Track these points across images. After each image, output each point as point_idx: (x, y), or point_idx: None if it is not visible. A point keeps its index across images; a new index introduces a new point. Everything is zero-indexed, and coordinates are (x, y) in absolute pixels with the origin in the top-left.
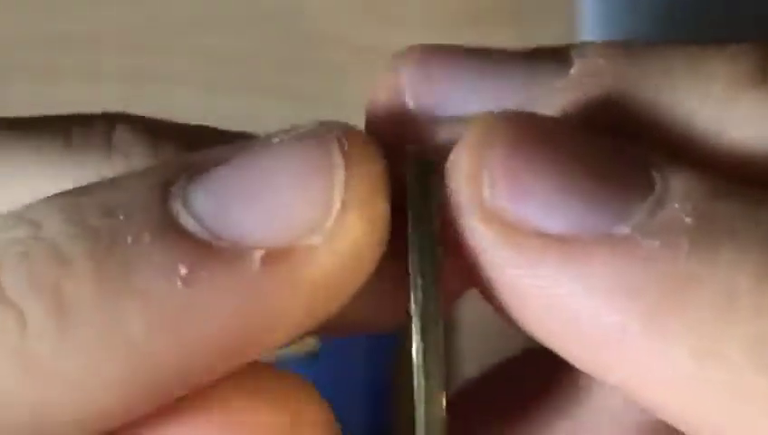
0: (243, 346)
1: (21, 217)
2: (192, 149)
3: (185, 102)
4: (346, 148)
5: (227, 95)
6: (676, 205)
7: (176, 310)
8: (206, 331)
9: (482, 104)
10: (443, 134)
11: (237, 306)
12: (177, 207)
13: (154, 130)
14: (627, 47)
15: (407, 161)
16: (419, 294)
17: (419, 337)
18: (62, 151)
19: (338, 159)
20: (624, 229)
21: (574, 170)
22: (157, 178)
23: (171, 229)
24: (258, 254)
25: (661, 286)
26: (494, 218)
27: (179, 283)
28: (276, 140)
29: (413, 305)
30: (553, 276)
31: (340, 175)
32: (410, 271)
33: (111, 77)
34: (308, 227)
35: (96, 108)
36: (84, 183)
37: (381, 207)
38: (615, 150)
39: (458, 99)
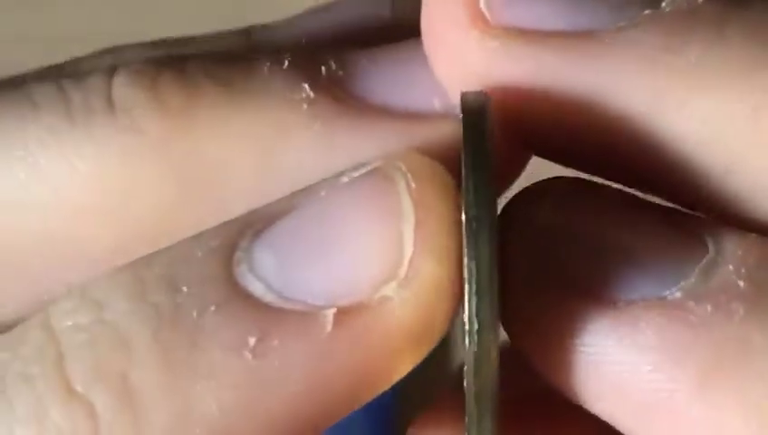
0: (322, 410)
1: (83, 296)
2: (191, 73)
3: None
4: (413, 185)
5: None
6: (730, 267)
7: (248, 385)
8: (283, 400)
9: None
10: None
11: (311, 372)
12: (242, 271)
13: (152, 73)
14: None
15: (462, 102)
16: (478, 255)
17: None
18: (66, 127)
19: (406, 201)
20: (676, 294)
21: (627, 241)
22: (219, 240)
23: (237, 298)
24: (330, 314)
25: (714, 352)
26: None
27: (249, 355)
28: (344, 179)
29: (468, 272)
30: (602, 341)
31: (409, 218)
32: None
33: None
34: (380, 277)
35: None
36: (94, 156)
37: (454, 244)
38: (667, 218)
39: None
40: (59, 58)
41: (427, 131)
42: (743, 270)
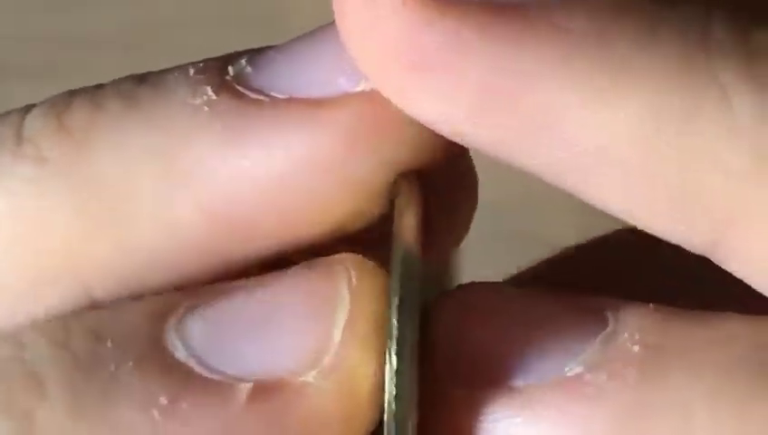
0: None
1: (9, 335)
2: (101, 95)
3: None
4: (354, 282)
5: None
6: (626, 335)
7: None
8: None
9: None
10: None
11: None
12: (170, 334)
13: (65, 101)
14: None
15: (395, 188)
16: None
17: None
18: None
19: (343, 295)
20: (576, 369)
21: (525, 327)
22: (156, 305)
23: (158, 357)
24: (245, 387)
25: (613, 421)
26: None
27: (157, 414)
28: (292, 270)
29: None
30: (511, 429)
31: (343, 312)
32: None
33: (111, 77)
34: (303, 363)
35: None
36: (2, 191)
37: (381, 345)
38: (566, 301)
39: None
40: (59, 58)
41: (330, 115)
42: (637, 336)
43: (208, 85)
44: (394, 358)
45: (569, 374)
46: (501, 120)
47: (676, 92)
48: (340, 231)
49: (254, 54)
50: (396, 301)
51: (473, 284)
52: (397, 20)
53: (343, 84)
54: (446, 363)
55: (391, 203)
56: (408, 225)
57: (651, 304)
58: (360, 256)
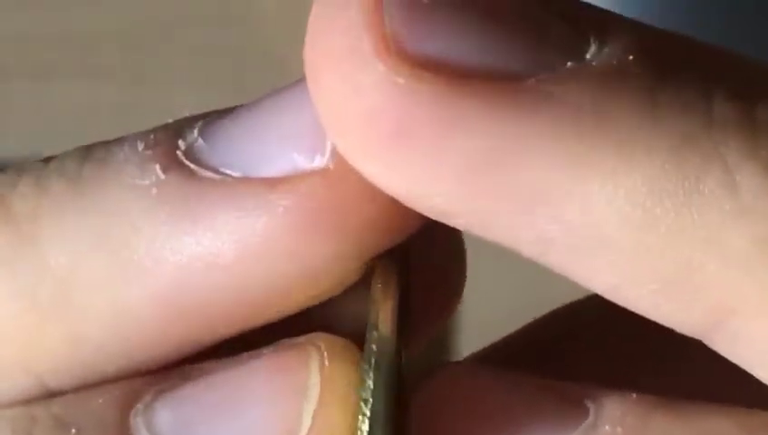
0: None
1: None
2: (47, 174)
3: (184, 101)
4: (326, 364)
5: (227, 94)
6: (607, 428)
7: None
8: None
9: None
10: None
11: None
12: (137, 423)
13: (11, 181)
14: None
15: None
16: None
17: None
18: None
19: (314, 379)
20: None
21: (504, 417)
22: (120, 392)
23: None
24: None
25: None
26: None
27: None
28: (263, 352)
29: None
30: None
31: (313, 397)
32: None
33: (111, 77)
34: None
35: (96, 107)
36: None
37: (353, 429)
38: (547, 389)
39: None
40: (59, 58)
41: (285, 197)
42: (619, 429)
43: (157, 163)
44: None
45: None
46: (489, 197)
47: (676, 171)
48: (306, 306)
49: (208, 125)
50: (369, 403)
51: (450, 368)
52: (379, 85)
53: (298, 161)
54: None
55: (368, 273)
56: (383, 318)
57: (634, 395)
58: (331, 336)
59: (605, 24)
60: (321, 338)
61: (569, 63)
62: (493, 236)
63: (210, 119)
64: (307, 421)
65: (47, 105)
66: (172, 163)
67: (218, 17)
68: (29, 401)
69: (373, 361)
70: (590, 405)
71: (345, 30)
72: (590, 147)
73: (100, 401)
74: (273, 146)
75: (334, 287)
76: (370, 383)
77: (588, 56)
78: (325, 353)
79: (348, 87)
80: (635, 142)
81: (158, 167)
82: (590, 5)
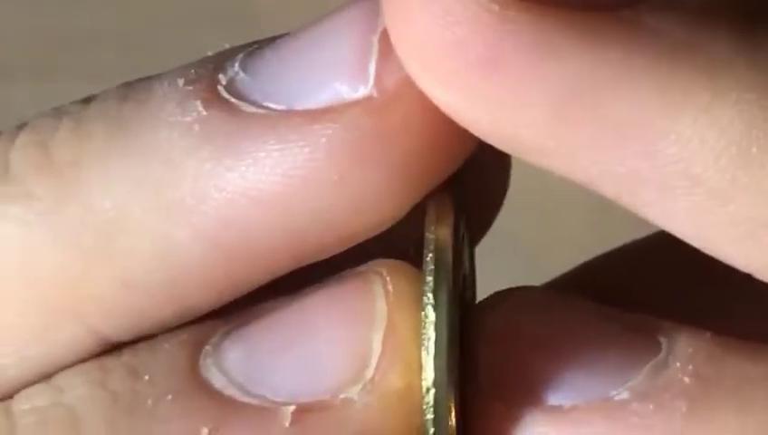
0: None
1: (48, 383)
2: (87, 118)
3: None
4: (390, 289)
5: None
6: (678, 365)
7: None
8: None
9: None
10: None
11: None
12: (207, 364)
13: (50, 128)
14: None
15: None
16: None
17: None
18: None
19: (380, 306)
20: (623, 394)
21: (574, 344)
22: (187, 335)
23: (196, 389)
24: (288, 410)
25: None
26: None
27: None
28: (328, 283)
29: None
30: None
31: (381, 323)
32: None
33: (111, 77)
34: (345, 379)
35: None
36: None
37: (420, 355)
38: (619, 320)
39: None
40: (59, 58)
41: (329, 128)
42: (690, 367)
43: (198, 99)
44: (432, 354)
45: (615, 399)
46: (579, 129)
47: None
48: (358, 240)
49: (248, 57)
50: (431, 299)
51: (521, 289)
52: (468, 14)
53: (342, 91)
54: (488, 373)
55: (423, 200)
56: (441, 233)
57: (708, 333)
58: (392, 260)
59: None
60: (382, 264)
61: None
62: (576, 173)
63: (251, 50)
64: (377, 347)
65: (47, 105)
66: (213, 99)
67: (218, 17)
68: (98, 356)
69: (433, 278)
70: (663, 340)
71: None
72: (684, 81)
73: (167, 346)
74: (316, 76)
75: (387, 218)
76: (432, 302)
77: None
78: (388, 278)
79: (435, 12)
80: (730, 78)
81: (199, 103)
82: None
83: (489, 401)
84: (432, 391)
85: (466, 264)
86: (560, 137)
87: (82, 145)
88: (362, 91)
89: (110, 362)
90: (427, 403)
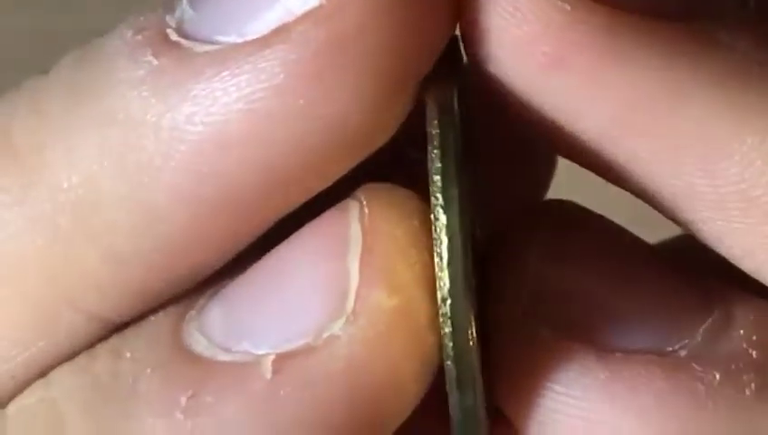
0: None
1: (43, 378)
2: (42, 91)
3: None
4: (366, 211)
5: None
6: (741, 332)
7: None
8: None
9: None
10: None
11: (252, 427)
12: (189, 329)
13: (9, 111)
14: None
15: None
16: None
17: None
18: None
19: (354, 229)
20: (680, 352)
21: (628, 290)
22: (177, 304)
23: (177, 357)
24: (267, 361)
25: (720, 429)
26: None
27: (181, 416)
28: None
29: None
30: (592, 395)
31: (356, 247)
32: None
33: None
34: (325, 315)
35: None
36: None
37: (411, 273)
38: (672, 272)
39: None
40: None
41: (285, 51)
42: (754, 338)
43: (149, 47)
44: (445, 260)
45: (674, 356)
46: (641, 138)
47: None
48: (349, 166)
49: None
50: (440, 199)
51: (579, 207)
52: (538, 12)
53: (292, 6)
54: (534, 293)
55: (422, 107)
56: (445, 122)
57: (765, 301)
58: (374, 184)
59: None
60: (362, 189)
61: (737, 10)
62: (631, 183)
63: None
64: (355, 274)
65: None
66: (163, 45)
67: None
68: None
69: (440, 174)
70: (717, 301)
71: None
72: (755, 101)
73: (153, 319)
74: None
75: (373, 132)
76: (441, 203)
77: (752, 3)
78: (365, 202)
79: (505, 7)
80: None
81: (149, 52)
82: None
83: (532, 324)
84: (448, 302)
85: (476, 165)
86: (619, 145)
87: (41, 124)
88: (312, 3)
89: (99, 347)
90: (444, 314)
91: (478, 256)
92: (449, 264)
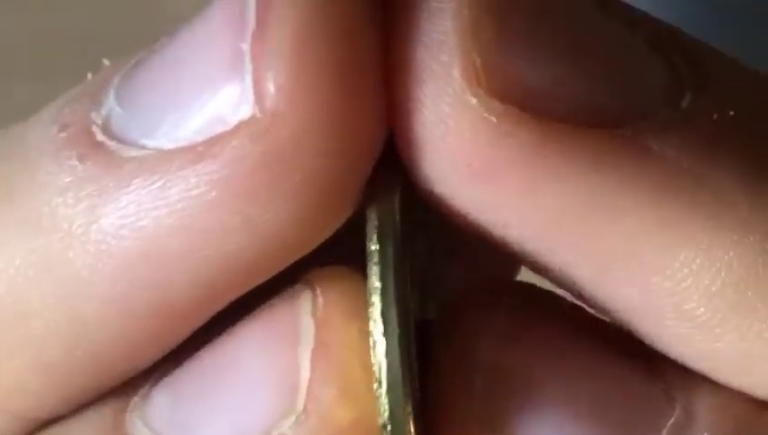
0: None
1: None
2: None
3: None
4: (321, 301)
5: None
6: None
7: None
8: None
9: None
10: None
11: None
12: (133, 419)
13: None
14: None
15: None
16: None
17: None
18: None
19: (306, 322)
20: None
21: (580, 385)
22: (118, 393)
23: None
24: None
25: None
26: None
27: None
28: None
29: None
30: None
31: (308, 341)
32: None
33: None
34: (275, 412)
35: None
36: None
37: (364, 373)
38: (628, 361)
39: None
40: (59, 58)
41: (212, 163)
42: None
43: (74, 149)
44: (384, 386)
45: None
46: (571, 249)
47: None
48: (281, 267)
49: (123, 83)
50: (378, 323)
51: (531, 288)
52: (464, 124)
53: (224, 113)
54: (479, 402)
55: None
56: (385, 243)
57: (728, 392)
58: (330, 267)
59: (700, 61)
60: (314, 274)
61: (665, 111)
62: (563, 287)
63: (127, 71)
64: (306, 368)
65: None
66: (89, 147)
67: None
68: None
69: (380, 298)
70: (679, 397)
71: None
72: (686, 216)
73: (92, 408)
74: (190, 100)
75: (310, 239)
76: (381, 329)
77: (684, 104)
78: (318, 289)
79: (428, 117)
80: (733, 218)
81: (74, 156)
82: (685, 41)
83: (483, 416)
84: (389, 428)
85: (431, 271)
86: (551, 256)
87: None
88: (245, 111)
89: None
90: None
91: (426, 337)
92: (389, 390)
